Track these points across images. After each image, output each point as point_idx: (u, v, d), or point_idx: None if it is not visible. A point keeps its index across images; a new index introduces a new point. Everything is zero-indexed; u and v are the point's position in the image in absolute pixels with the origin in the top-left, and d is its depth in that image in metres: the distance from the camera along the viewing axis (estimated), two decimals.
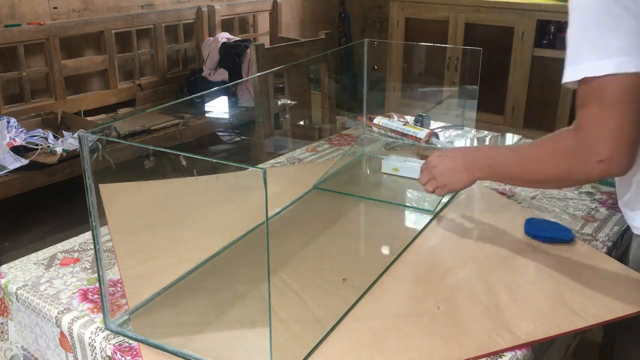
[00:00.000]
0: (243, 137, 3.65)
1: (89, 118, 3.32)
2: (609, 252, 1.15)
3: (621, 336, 1.19)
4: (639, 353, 1.12)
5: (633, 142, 0.86)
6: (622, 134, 0.86)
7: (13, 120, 2.91)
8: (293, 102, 2.43)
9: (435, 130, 1.70)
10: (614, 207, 1.32)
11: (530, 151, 1.03)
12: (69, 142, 2.89)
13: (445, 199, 1.34)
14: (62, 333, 0.93)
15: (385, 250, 1.20)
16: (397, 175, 1.48)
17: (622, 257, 1.20)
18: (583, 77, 0.87)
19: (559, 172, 0.96)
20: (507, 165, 1.07)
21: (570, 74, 0.89)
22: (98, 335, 0.89)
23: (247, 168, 0.71)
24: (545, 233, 1.16)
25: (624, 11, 0.84)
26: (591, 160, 0.88)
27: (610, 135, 0.86)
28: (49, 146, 2.84)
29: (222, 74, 3.76)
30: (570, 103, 3.41)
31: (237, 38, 3.96)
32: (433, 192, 1.20)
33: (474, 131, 1.79)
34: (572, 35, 0.89)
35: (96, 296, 0.98)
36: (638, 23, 0.84)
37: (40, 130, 3.01)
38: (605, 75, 0.85)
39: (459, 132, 1.79)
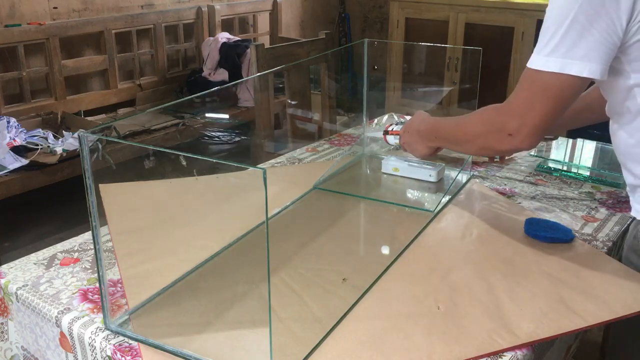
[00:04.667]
0: (243, 137, 3.65)
1: (89, 118, 3.33)
2: (609, 252, 1.15)
3: (621, 337, 1.19)
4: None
5: (542, 128, 1.00)
6: (536, 120, 0.99)
7: (13, 120, 2.91)
8: (293, 102, 2.42)
9: None
10: (614, 207, 1.33)
11: (464, 119, 1.18)
12: (69, 142, 2.89)
13: (445, 199, 1.34)
14: (62, 333, 0.93)
15: (385, 250, 1.20)
16: (397, 175, 1.48)
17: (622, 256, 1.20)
18: (534, 68, 0.97)
19: (479, 138, 1.11)
20: (447, 131, 1.25)
21: (531, 61, 0.98)
22: (98, 335, 0.89)
23: (247, 168, 0.71)
24: (545, 233, 1.16)
25: (599, 18, 0.91)
26: (503, 132, 1.03)
27: (526, 117, 0.99)
28: (49, 146, 2.84)
29: (222, 74, 3.76)
30: None
31: (237, 38, 3.96)
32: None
33: None
34: (547, 25, 0.97)
35: (96, 296, 0.98)
36: (606, 32, 0.92)
37: (40, 130, 3.01)
38: (552, 72, 0.95)
39: None
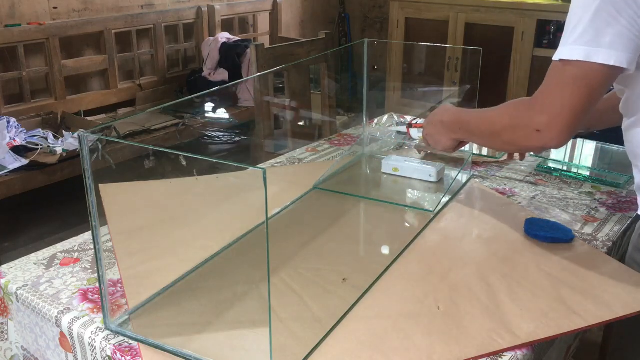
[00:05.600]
0: (243, 137, 3.66)
1: (89, 118, 3.33)
2: (609, 252, 1.15)
3: (623, 338, 1.19)
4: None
5: (573, 124, 0.94)
6: (565, 113, 0.93)
7: (13, 120, 2.92)
8: (293, 102, 2.43)
9: None
10: (614, 207, 1.33)
11: (490, 111, 1.12)
12: (69, 142, 2.89)
13: (445, 199, 1.34)
14: (62, 333, 0.93)
15: (385, 250, 1.20)
16: (397, 175, 1.48)
17: (623, 257, 1.20)
18: (559, 58, 0.93)
19: (504, 132, 1.05)
20: (471, 122, 1.19)
21: (556, 53, 0.94)
22: (98, 335, 0.89)
23: (247, 168, 0.71)
24: (545, 233, 1.15)
25: (626, 6, 0.88)
26: (530, 127, 0.97)
27: (555, 111, 0.94)
28: (49, 146, 2.84)
29: (222, 74, 3.76)
30: None
31: (237, 38, 3.96)
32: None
33: None
34: (571, 14, 0.93)
35: (96, 296, 0.98)
36: (633, 20, 0.88)
37: (40, 130, 3.01)
38: (578, 61, 0.91)
39: None
